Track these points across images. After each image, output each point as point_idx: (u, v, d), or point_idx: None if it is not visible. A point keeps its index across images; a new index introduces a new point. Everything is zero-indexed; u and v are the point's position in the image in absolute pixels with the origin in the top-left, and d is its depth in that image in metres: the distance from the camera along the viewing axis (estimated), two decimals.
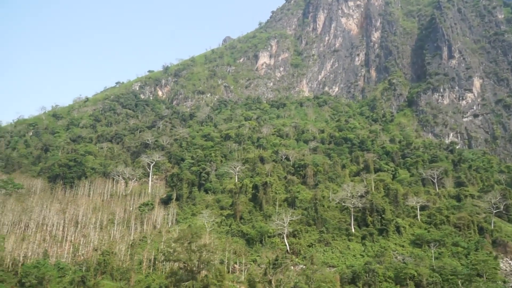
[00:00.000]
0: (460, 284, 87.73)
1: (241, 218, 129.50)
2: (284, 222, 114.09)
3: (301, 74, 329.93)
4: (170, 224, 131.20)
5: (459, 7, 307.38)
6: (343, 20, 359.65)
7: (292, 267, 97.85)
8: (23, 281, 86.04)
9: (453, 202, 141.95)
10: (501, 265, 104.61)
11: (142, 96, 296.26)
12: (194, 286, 79.74)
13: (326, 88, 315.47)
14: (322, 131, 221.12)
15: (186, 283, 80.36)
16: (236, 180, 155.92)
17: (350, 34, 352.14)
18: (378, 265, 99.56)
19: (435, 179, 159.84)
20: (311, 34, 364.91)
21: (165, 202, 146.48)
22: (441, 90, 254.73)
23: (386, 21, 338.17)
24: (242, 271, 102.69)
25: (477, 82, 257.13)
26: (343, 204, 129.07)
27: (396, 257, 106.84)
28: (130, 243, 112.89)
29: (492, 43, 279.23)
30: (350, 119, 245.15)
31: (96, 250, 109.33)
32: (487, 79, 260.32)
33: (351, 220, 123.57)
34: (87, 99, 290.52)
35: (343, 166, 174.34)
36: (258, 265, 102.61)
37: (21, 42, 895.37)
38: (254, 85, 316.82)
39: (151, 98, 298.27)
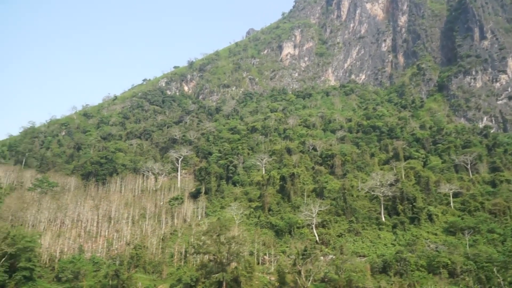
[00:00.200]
0: (495, 272, 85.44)
1: (269, 209, 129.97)
2: (312, 213, 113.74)
3: (326, 63, 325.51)
4: (199, 217, 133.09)
5: None
6: (368, 5, 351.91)
7: (321, 258, 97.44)
8: (59, 276, 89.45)
9: (488, 188, 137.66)
10: None
11: (168, 92, 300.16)
12: (224, 277, 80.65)
13: (353, 76, 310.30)
14: (350, 120, 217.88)
15: (217, 275, 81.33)
16: (264, 172, 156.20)
17: (376, 19, 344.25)
18: (409, 253, 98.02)
19: (469, 165, 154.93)
20: (335, 21, 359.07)
21: (194, 196, 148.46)
22: (473, 72, 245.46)
23: (413, 4, 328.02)
24: (271, 262, 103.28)
25: (511, 63, 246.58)
26: (373, 193, 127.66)
27: (428, 246, 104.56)
28: (161, 236, 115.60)
29: None
30: (378, 106, 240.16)
31: (128, 244, 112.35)
32: None
33: (381, 209, 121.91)
34: (115, 98, 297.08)
35: (372, 155, 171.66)
36: (288, 256, 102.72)
37: (53, 46, 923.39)
38: (279, 76, 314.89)
39: (177, 93, 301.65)
